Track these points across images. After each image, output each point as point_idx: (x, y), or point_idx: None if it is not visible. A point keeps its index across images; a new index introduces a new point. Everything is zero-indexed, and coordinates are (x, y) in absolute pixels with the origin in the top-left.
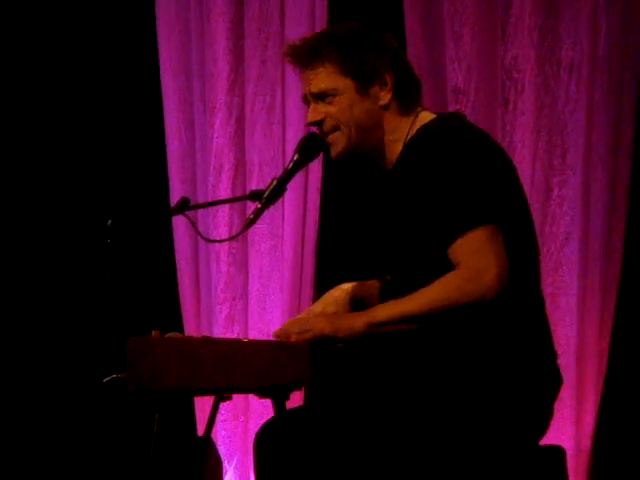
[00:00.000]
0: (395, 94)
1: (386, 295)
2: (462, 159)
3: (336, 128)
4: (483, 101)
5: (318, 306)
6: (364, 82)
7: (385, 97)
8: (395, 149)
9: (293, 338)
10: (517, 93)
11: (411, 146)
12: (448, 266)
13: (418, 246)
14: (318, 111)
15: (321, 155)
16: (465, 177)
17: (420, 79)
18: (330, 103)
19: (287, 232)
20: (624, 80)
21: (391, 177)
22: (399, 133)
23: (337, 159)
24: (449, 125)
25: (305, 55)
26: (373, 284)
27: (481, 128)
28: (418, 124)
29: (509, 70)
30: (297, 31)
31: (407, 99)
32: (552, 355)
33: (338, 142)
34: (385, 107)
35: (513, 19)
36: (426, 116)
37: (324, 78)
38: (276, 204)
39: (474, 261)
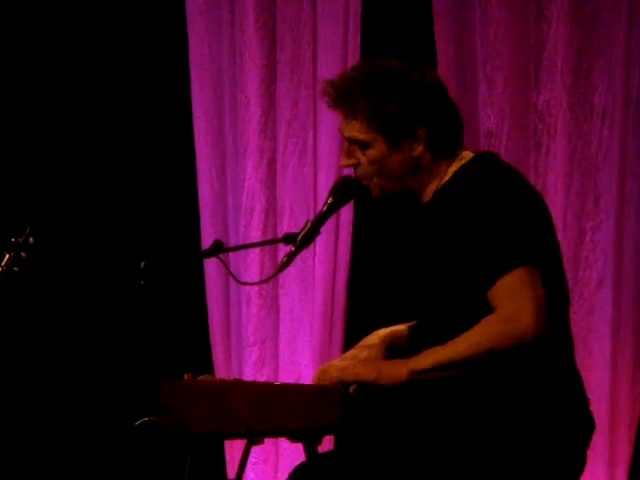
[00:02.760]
0: (428, 145)
1: (414, 338)
2: (499, 201)
3: (368, 177)
4: (515, 145)
5: (351, 351)
6: (394, 137)
7: (417, 149)
8: (431, 189)
9: (334, 381)
10: (549, 137)
11: (447, 185)
12: (481, 309)
13: (450, 288)
14: (350, 155)
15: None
16: (502, 219)
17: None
18: (362, 153)
19: (318, 274)
20: None
21: (425, 215)
22: (435, 176)
23: (377, 199)
24: (485, 166)
25: (337, 101)
26: (409, 327)
27: (515, 168)
28: (456, 164)
29: (541, 114)
30: (329, 73)
31: (443, 147)
32: (583, 400)
33: (372, 189)
34: (418, 158)
35: (546, 63)
36: (466, 156)
37: (355, 129)
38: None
39: (511, 304)
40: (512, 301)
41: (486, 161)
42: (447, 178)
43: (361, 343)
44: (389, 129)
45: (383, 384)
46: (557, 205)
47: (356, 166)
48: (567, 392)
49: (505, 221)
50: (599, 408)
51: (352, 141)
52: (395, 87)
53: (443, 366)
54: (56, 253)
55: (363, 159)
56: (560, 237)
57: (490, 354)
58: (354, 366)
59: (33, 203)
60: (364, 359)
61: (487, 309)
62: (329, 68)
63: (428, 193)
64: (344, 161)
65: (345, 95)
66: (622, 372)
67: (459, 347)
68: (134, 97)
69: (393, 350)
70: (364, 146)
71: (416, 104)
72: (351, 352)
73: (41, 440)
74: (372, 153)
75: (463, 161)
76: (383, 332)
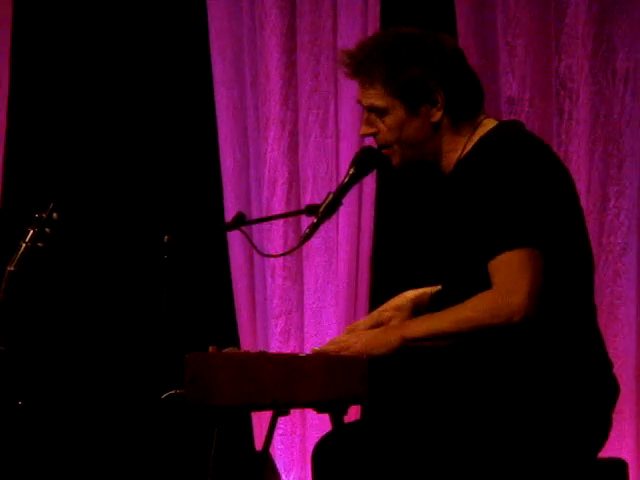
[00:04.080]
0: (447, 110)
1: (435, 304)
2: (516, 174)
3: (388, 145)
4: (538, 111)
5: (376, 312)
6: (413, 102)
7: (436, 115)
8: (452, 159)
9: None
10: (572, 103)
11: (469, 156)
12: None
13: (466, 257)
14: (371, 124)
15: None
16: (516, 194)
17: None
18: (381, 120)
19: (342, 245)
20: None
21: (448, 185)
22: (456, 144)
23: (398, 168)
24: (507, 136)
25: (354, 69)
26: (435, 291)
27: (539, 137)
28: (478, 134)
29: (563, 80)
30: (349, 43)
31: (462, 113)
32: (607, 365)
33: (392, 157)
34: (437, 124)
35: (567, 29)
36: (488, 124)
37: (373, 96)
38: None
39: (506, 282)
40: (508, 279)
41: (509, 130)
42: (470, 147)
43: (387, 304)
44: (407, 94)
45: (377, 354)
46: (580, 171)
47: (376, 134)
48: (589, 357)
49: (521, 196)
50: (626, 373)
51: (371, 109)
52: (412, 53)
53: (432, 336)
54: (80, 229)
55: (382, 127)
56: (583, 203)
57: (485, 328)
58: (347, 343)
59: (56, 179)
60: (359, 332)
61: None
62: (349, 38)
63: (450, 162)
64: (364, 130)
65: (362, 63)
66: None
67: (448, 319)
68: (155, 71)
69: (420, 312)
70: (383, 113)
71: (434, 69)
72: (375, 313)
73: (69, 414)
74: (391, 119)
75: (486, 129)
76: (411, 294)
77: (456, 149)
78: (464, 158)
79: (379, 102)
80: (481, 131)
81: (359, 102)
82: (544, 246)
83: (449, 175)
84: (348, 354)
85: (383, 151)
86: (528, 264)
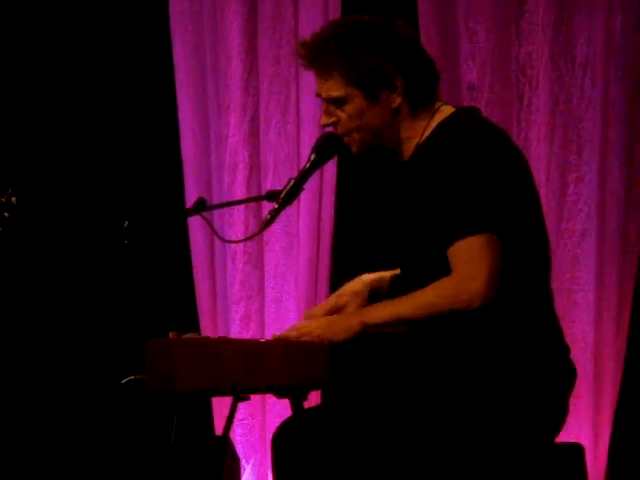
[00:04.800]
0: (406, 95)
1: (394, 289)
2: (473, 161)
3: (348, 133)
4: (498, 98)
5: (332, 297)
6: (372, 90)
7: (395, 100)
8: (411, 145)
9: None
10: (531, 89)
11: (427, 143)
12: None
13: (425, 243)
14: (330, 114)
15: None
16: (474, 181)
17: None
18: (340, 109)
19: (302, 230)
20: (639, 75)
21: (406, 172)
22: (415, 130)
23: (356, 155)
24: (464, 123)
25: (311, 61)
26: (392, 275)
27: (496, 124)
28: (436, 120)
29: (523, 66)
30: (311, 29)
31: (421, 98)
32: (564, 349)
33: (352, 144)
34: (397, 109)
35: (527, 15)
36: (445, 110)
37: (331, 87)
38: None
39: (466, 268)
40: (467, 265)
41: (466, 117)
42: (428, 133)
43: (344, 288)
44: (366, 82)
45: (337, 340)
46: (540, 157)
47: (336, 123)
48: (546, 342)
49: (478, 183)
50: (584, 357)
51: (330, 100)
52: (368, 40)
53: (393, 321)
54: (39, 213)
55: (342, 115)
56: (543, 189)
57: (445, 314)
58: (309, 327)
59: (15, 163)
60: (320, 317)
61: None
62: (310, 24)
63: (408, 149)
64: (324, 120)
65: (319, 53)
66: (606, 322)
67: (409, 304)
68: (115, 54)
69: (377, 296)
70: (342, 102)
71: (390, 54)
72: (332, 299)
73: (29, 402)
74: (351, 108)
75: (443, 115)
76: (367, 277)
77: (414, 135)
78: (422, 144)
79: (338, 92)
80: (438, 117)
81: (318, 95)
82: (502, 232)
83: (408, 161)
84: (309, 340)
85: (344, 139)
86: (487, 250)
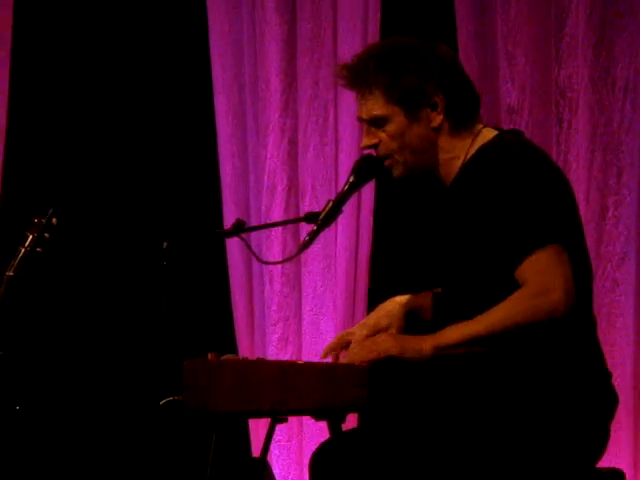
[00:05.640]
0: (447, 114)
1: (441, 309)
2: (524, 179)
3: (390, 154)
4: (537, 120)
5: (371, 319)
6: (413, 108)
7: (436, 119)
8: (453, 167)
9: (357, 359)
10: (571, 112)
11: (471, 165)
12: (508, 285)
13: (479, 264)
14: (371, 135)
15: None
16: (528, 197)
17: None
18: (382, 129)
19: (340, 252)
20: None
21: (450, 195)
22: (457, 151)
23: (398, 179)
24: (509, 144)
25: (353, 81)
26: (426, 296)
27: (539, 146)
28: (479, 142)
29: (563, 89)
30: (350, 51)
31: (462, 118)
32: (606, 375)
33: (394, 167)
34: (438, 128)
35: (567, 38)
36: (487, 133)
37: (373, 106)
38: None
39: (542, 279)
40: (543, 276)
41: (511, 139)
42: (470, 155)
43: (380, 310)
44: (407, 100)
45: (407, 358)
46: (580, 180)
47: (377, 145)
48: (589, 367)
49: (534, 199)
50: (623, 382)
51: (371, 121)
52: (410, 59)
53: (469, 341)
54: (79, 234)
55: (383, 136)
56: (583, 212)
57: (515, 330)
58: (376, 343)
59: (56, 184)
60: (387, 333)
61: (515, 285)
62: (349, 45)
63: (450, 171)
64: (365, 142)
65: (360, 72)
66: None
67: (488, 321)
68: (155, 77)
69: (412, 317)
70: (383, 122)
71: (431, 73)
72: (371, 320)
73: (68, 419)
74: (392, 128)
75: (485, 139)
76: (401, 299)
77: (457, 156)
78: (466, 166)
79: (379, 111)
80: (481, 139)
81: (359, 118)
82: (565, 242)
83: (452, 183)
84: (375, 355)
85: (385, 162)
86: (559, 259)
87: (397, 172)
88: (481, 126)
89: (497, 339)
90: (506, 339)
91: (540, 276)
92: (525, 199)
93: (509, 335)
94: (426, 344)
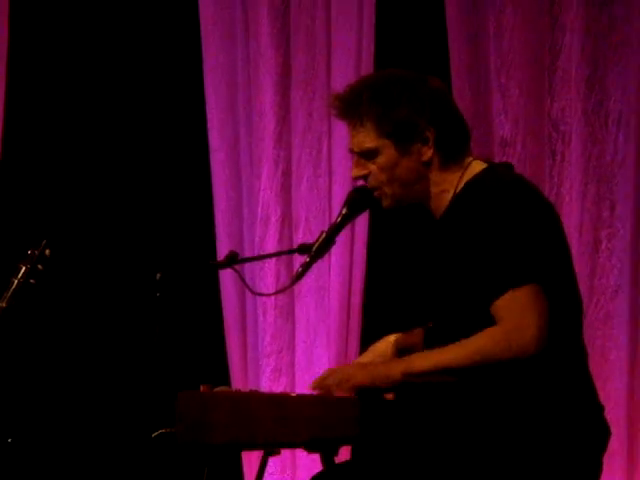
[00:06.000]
0: (438, 148)
1: (429, 342)
2: (510, 215)
3: (379, 186)
4: (530, 153)
5: (365, 358)
6: (404, 141)
7: (427, 153)
8: (443, 200)
9: (332, 390)
10: (564, 145)
11: (460, 198)
12: (490, 321)
13: (462, 297)
14: (361, 167)
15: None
16: (512, 234)
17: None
18: (372, 161)
19: (333, 284)
20: None
21: (439, 227)
22: (447, 185)
23: (388, 209)
24: (498, 178)
25: (345, 111)
26: (418, 333)
27: (529, 180)
28: (468, 175)
29: (556, 122)
30: (343, 83)
31: (452, 152)
32: (597, 407)
33: (383, 198)
34: (428, 162)
35: (560, 71)
36: (476, 166)
37: (364, 138)
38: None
39: (516, 318)
40: (519, 315)
41: (500, 173)
42: (460, 188)
43: (373, 350)
44: (398, 133)
45: (379, 386)
46: (573, 212)
47: (367, 176)
48: (580, 400)
49: (516, 237)
50: (617, 416)
51: (362, 153)
52: (402, 92)
53: (439, 370)
54: (73, 266)
55: (373, 167)
56: (576, 245)
57: (494, 363)
58: (347, 374)
59: (49, 215)
60: (357, 363)
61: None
62: (343, 77)
63: (440, 204)
64: (355, 172)
65: (353, 104)
66: (639, 379)
67: (458, 353)
68: (149, 108)
69: (404, 355)
70: (374, 154)
71: (423, 107)
72: (365, 360)
73: (59, 452)
74: (382, 160)
75: (475, 171)
76: (392, 338)
77: (446, 190)
78: (455, 200)
79: (370, 144)
80: (470, 172)
81: (350, 149)
82: (544, 283)
83: (441, 217)
84: (348, 386)
85: (374, 193)
86: (536, 300)
87: (385, 203)
88: (471, 159)
89: (474, 371)
90: (492, 373)
91: (515, 315)
92: (506, 236)
93: (495, 369)
94: (395, 369)
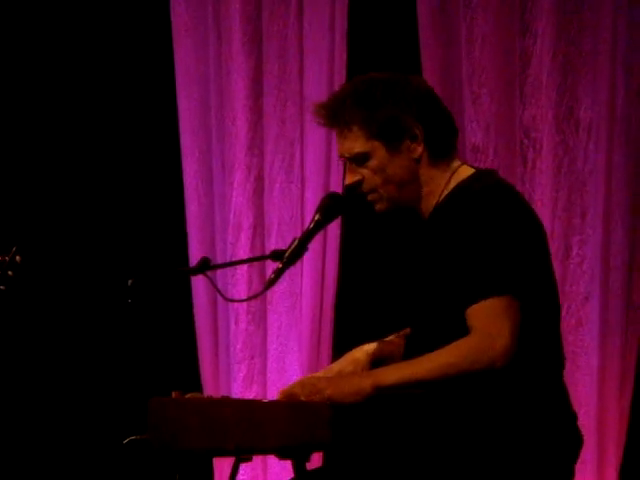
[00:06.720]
0: (427, 144)
1: (409, 348)
2: (495, 223)
3: (374, 189)
4: (502, 160)
5: (336, 366)
6: (393, 140)
7: (417, 150)
8: (430, 202)
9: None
10: (535, 152)
11: (446, 203)
12: (466, 328)
13: (442, 303)
14: (355, 172)
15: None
16: (493, 243)
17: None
18: (364, 165)
19: (306, 290)
20: None
21: (425, 230)
22: (434, 185)
23: (381, 213)
24: (484, 185)
25: (331, 119)
26: (394, 342)
27: (514, 187)
28: (456, 179)
29: (527, 129)
30: (316, 90)
31: (441, 147)
32: (571, 416)
33: (378, 202)
34: (419, 159)
35: (531, 79)
36: (463, 171)
37: (353, 143)
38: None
39: (487, 329)
40: (490, 325)
41: (486, 179)
42: (447, 193)
43: (347, 357)
44: (386, 133)
45: (348, 402)
46: (544, 219)
47: (361, 182)
48: (553, 410)
49: (500, 245)
50: (587, 421)
51: (353, 158)
52: (386, 93)
53: (409, 383)
54: (43, 271)
55: (366, 172)
56: None
57: (464, 375)
58: (317, 388)
59: (19, 221)
60: (326, 378)
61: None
62: (315, 84)
63: (428, 206)
64: (348, 179)
65: (338, 111)
66: (609, 385)
67: (427, 365)
68: (121, 113)
69: (379, 366)
70: (365, 158)
71: (409, 104)
72: (335, 367)
73: (30, 459)
74: (374, 163)
75: (462, 176)
76: (369, 347)
77: (434, 191)
78: (441, 204)
79: (360, 148)
80: (457, 177)
81: (341, 156)
82: (521, 295)
83: (429, 218)
84: (317, 399)
85: (369, 197)
86: (509, 311)
87: (381, 206)
88: (459, 163)
89: (447, 382)
90: (465, 382)
91: (486, 325)
92: (488, 245)
93: (467, 378)
94: (365, 383)
